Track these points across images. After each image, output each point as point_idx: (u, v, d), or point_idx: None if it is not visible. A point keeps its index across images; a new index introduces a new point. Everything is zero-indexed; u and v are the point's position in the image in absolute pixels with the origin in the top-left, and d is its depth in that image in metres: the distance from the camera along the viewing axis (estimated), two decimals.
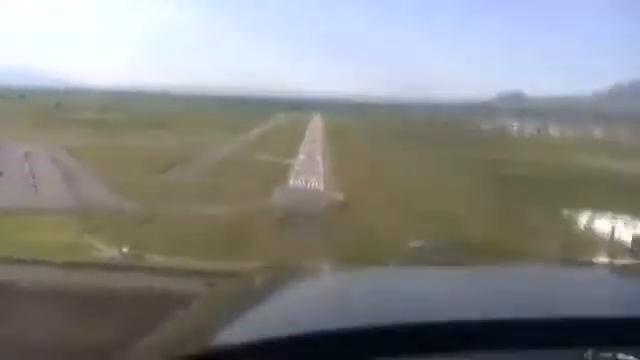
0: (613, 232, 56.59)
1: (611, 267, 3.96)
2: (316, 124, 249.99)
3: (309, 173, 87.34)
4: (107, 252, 39.83)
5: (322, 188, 75.96)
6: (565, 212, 66.23)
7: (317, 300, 3.00)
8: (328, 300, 2.93)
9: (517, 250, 43.60)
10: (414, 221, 52.21)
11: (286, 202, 61.89)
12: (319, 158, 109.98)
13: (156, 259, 37.24)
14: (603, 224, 59.86)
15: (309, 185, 77.62)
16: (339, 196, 67.60)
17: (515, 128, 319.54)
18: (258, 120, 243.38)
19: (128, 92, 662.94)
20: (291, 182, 79.04)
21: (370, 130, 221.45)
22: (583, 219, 63.41)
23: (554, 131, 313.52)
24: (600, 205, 65.79)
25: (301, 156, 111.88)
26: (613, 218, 61.04)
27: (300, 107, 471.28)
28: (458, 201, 68.08)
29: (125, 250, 39.67)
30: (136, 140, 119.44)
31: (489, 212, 63.74)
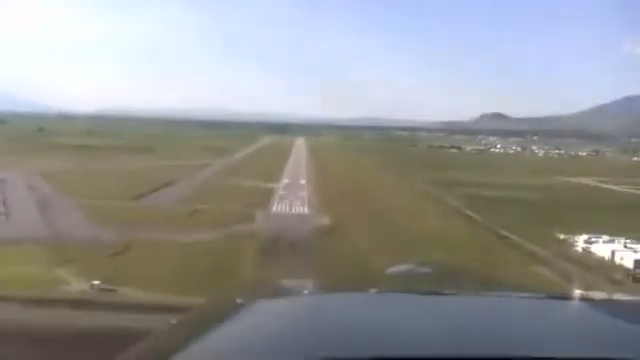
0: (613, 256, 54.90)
1: (598, 302, 3.64)
2: (300, 147, 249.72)
3: (293, 197, 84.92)
4: (77, 286, 37.18)
5: (306, 212, 73.40)
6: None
7: (277, 328, 2.84)
8: (287, 329, 2.79)
9: None
10: (402, 249, 49.93)
11: (269, 229, 59.38)
12: (303, 181, 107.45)
13: (129, 293, 34.89)
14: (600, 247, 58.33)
15: (293, 209, 74.78)
16: (324, 220, 65.25)
17: (499, 149, 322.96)
18: (242, 143, 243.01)
19: (115, 117, 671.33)
20: (274, 207, 75.91)
21: (354, 152, 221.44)
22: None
23: (538, 150, 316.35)
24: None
25: (285, 180, 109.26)
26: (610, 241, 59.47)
27: (284, 130, 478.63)
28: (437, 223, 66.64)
29: (96, 284, 37.02)
30: (117, 165, 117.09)
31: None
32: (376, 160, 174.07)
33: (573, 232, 64.33)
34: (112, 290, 35.34)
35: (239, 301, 3.42)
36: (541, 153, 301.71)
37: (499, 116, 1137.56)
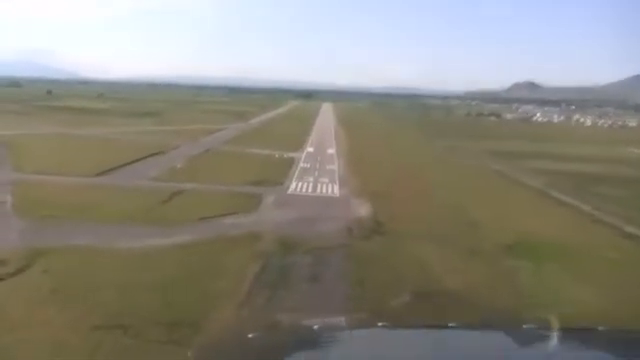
0: None
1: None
2: (327, 112, 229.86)
3: (319, 170, 64.42)
4: None
5: (337, 193, 52.29)
6: None
7: None
8: None
9: None
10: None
11: (281, 222, 38.76)
12: (331, 150, 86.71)
13: None
14: None
15: (318, 189, 53.42)
16: (364, 208, 44.42)
17: (541, 117, 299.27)
18: (264, 107, 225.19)
19: (139, 83, 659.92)
20: (292, 186, 54.06)
21: (388, 120, 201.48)
22: None
23: (584, 119, 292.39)
24: None
25: (309, 148, 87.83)
26: None
27: (310, 95, 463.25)
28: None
29: None
30: (108, 129, 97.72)
31: None
32: (414, 129, 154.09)
33: None
34: None
35: (250, 336, 4.42)
36: (589, 122, 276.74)
37: (532, 85, 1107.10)
